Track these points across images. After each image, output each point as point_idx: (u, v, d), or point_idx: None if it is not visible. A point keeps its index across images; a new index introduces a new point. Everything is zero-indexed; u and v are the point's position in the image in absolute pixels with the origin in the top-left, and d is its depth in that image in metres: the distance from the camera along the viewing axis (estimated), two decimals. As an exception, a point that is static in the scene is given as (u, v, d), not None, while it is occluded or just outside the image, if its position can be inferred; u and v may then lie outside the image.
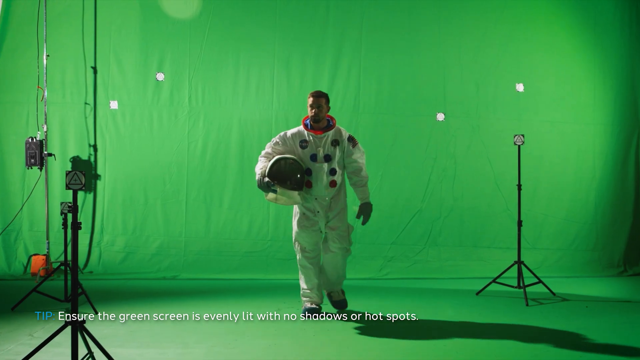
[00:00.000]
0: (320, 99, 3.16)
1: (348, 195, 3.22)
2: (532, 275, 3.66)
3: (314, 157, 3.13)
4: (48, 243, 4.19)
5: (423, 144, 4.20)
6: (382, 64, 4.20)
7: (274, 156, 3.14)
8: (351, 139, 3.22)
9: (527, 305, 3.36)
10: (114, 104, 4.16)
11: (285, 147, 3.19)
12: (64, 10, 4.11)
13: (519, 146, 3.60)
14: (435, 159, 4.20)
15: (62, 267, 3.51)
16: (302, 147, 3.15)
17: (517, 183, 3.57)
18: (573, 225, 4.22)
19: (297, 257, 3.28)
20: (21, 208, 4.11)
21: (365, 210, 3.19)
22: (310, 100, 3.16)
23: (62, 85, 4.15)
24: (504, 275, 3.65)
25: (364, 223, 3.22)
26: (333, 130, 3.20)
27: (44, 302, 3.32)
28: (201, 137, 4.15)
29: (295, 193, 3.10)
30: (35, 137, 4.04)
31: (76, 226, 2.64)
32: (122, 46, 4.14)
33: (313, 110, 3.10)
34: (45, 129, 4.07)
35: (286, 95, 4.18)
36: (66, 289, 3.30)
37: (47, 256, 4.25)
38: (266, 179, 3.04)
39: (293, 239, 3.23)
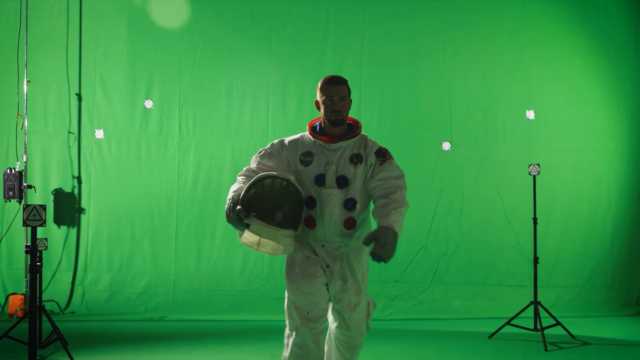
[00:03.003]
0: (343, 87, 2.28)
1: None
2: (548, 315, 3.86)
3: (320, 180, 2.24)
4: (27, 282, 4.40)
5: (428, 175, 4.52)
6: (384, 91, 4.57)
7: (257, 174, 2.29)
8: (382, 153, 2.29)
9: (546, 350, 3.53)
10: (99, 133, 4.50)
11: (278, 162, 2.32)
12: (46, 34, 4.49)
13: (534, 176, 3.94)
14: (441, 190, 4.53)
15: (46, 308, 3.74)
16: (305, 163, 2.27)
17: (532, 217, 3.85)
18: (588, 261, 4.54)
19: (289, 341, 2.31)
20: None
21: (383, 235, 2.02)
22: (325, 90, 2.26)
23: (44, 113, 4.49)
24: (517, 316, 3.92)
25: (376, 255, 2.01)
26: (355, 139, 2.32)
27: (17, 348, 3.40)
28: (192, 168, 4.48)
29: (287, 234, 2.24)
30: (14, 168, 4.33)
31: (35, 269, 2.78)
32: (108, 72, 4.49)
33: (334, 105, 2.22)
34: (25, 159, 4.37)
35: (282, 124, 4.53)
36: (41, 333, 3.43)
37: (26, 296, 4.47)
38: (238, 207, 2.13)
39: (285, 305, 2.33)
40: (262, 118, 4.45)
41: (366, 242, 2.05)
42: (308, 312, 2.23)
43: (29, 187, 4.35)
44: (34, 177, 4.42)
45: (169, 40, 4.46)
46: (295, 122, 4.42)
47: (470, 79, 4.59)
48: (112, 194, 4.43)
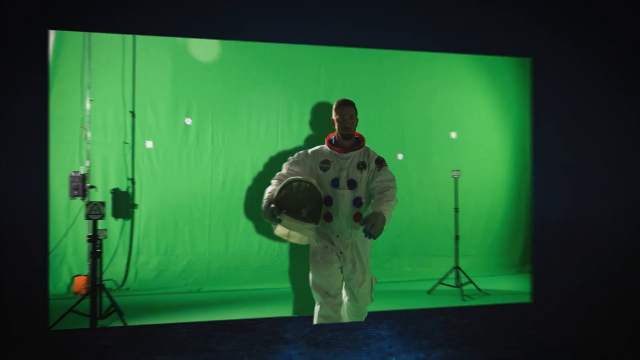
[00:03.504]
0: (351, 107, 4.41)
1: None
2: (465, 276, 7.87)
3: (335, 182, 4.27)
4: (89, 265, 7.69)
5: None
6: (358, 114, 8.92)
7: (287, 178, 4.22)
8: (379, 161, 4.45)
9: (463, 300, 7.50)
10: (149, 144, 8.14)
11: (302, 168, 4.32)
12: (106, 62, 7.97)
13: (456, 179, 8.03)
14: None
15: (106, 286, 7.19)
16: (323, 169, 4.31)
17: (454, 207, 8.01)
18: (488, 237, 9.49)
19: (316, 309, 4.47)
20: (65, 234, 7.84)
21: (373, 218, 3.92)
22: (339, 110, 4.38)
23: (103, 127, 8.02)
24: (446, 277, 7.98)
25: (366, 232, 3.89)
26: (360, 150, 4.43)
27: (81, 321, 6.14)
28: (221, 173, 8.35)
29: (310, 227, 4.12)
30: (78, 171, 7.71)
31: (95, 254, 6.30)
32: (156, 94, 8.14)
33: (345, 122, 4.33)
34: (87, 164, 7.82)
35: (288, 138, 8.62)
36: (101, 307, 6.37)
37: (88, 277, 7.78)
38: (272, 206, 4.00)
39: (310, 283, 4.48)
40: (273, 133, 8.43)
41: (361, 222, 4.00)
42: (328, 291, 4.42)
43: (92, 187, 7.67)
44: (95, 179, 7.90)
45: (204, 71, 8.19)
46: (298, 136, 8.48)
47: (415, 110, 9.18)
48: (159, 192, 8.12)
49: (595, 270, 6.56)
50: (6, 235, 5.93)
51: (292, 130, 8.62)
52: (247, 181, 8.35)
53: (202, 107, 8.18)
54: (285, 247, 8.52)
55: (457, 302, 7.58)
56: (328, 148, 4.59)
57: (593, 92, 6.79)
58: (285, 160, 4.72)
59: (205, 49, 8.22)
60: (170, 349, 4.83)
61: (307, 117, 8.57)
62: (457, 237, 8.09)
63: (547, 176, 6.48)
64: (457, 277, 8.07)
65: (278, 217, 4.10)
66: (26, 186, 6.08)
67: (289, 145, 8.58)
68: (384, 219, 4.12)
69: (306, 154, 4.59)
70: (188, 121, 8.11)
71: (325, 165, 4.49)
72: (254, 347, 4.63)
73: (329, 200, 4.45)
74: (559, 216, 6.80)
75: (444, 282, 8.07)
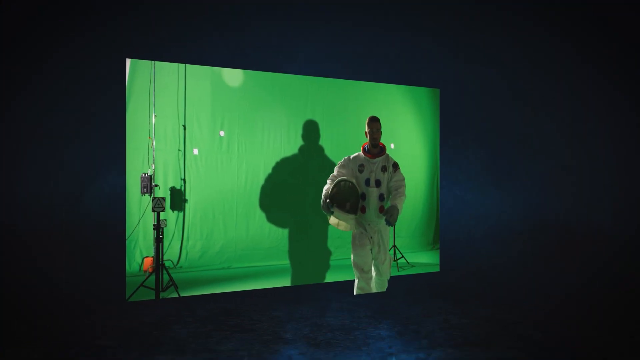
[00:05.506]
0: (378, 123, 6.20)
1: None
2: (399, 253, 11.60)
3: (367, 182, 6.00)
4: (154, 248, 11.67)
5: None
6: (334, 129, 12.89)
7: (337, 178, 5.66)
8: (395, 165, 6.14)
9: (397, 270, 12.21)
10: (195, 151, 11.47)
11: (347, 170, 6.05)
12: (166, 85, 11.08)
13: None
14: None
15: (166, 265, 11.20)
16: (360, 171, 6.05)
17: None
18: (414, 222, 14.26)
19: (355, 283, 6.12)
20: (137, 223, 10.91)
21: (391, 209, 5.84)
22: (370, 125, 6.15)
23: (164, 137, 11.11)
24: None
25: (388, 222, 5.85)
26: (383, 156, 6.19)
27: (148, 293, 8.21)
28: (244, 174, 11.80)
29: (351, 217, 5.66)
30: (147, 173, 10.93)
31: (159, 239, 10.30)
32: (200, 111, 11.42)
33: (373, 134, 6.09)
34: (153, 167, 10.99)
35: (287, 147, 12.33)
36: (162, 281, 8.55)
37: (154, 258, 11.72)
38: (327, 201, 5.52)
39: (352, 262, 6.32)
40: (278, 144, 12.10)
41: (383, 214, 6.47)
42: (363, 267, 6.67)
43: (156, 185, 10.84)
44: (159, 179, 11.04)
45: (233, 94, 11.61)
46: (294, 146, 12.14)
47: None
48: (202, 190, 11.26)
49: (595, 270, 7.57)
50: (92, 224, 8.11)
51: (290, 141, 12.38)
52: (261, 180, 11.22)
53: (232, 122, 11.16)
54: (285, 233, 12.47)
55: (394, 272, 10.49)
56: (363, 155, 6.44)
57: (484, 119, 9.91)
58: (283, 164, 6.88)
59: (233, 77, 11.13)
60: (170, 349, 5.39)
61: (300, 131, 12.30)
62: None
63: (449, 177, 10.62)
64: (394, 253, 11.38)
65: (331, 209, 5.77)
66: (109, 185, 8.50)
67: (288, 152, 12.28)
68: (397, 211, 5.99)
69: (349, 159, 6.45)
70: (222, 133, 11.16)
71: (361, 168, 6.37)
72: (254, 347, 5.18)
73: (363, 196, 6.25)
74: (558, 216, 8.56)
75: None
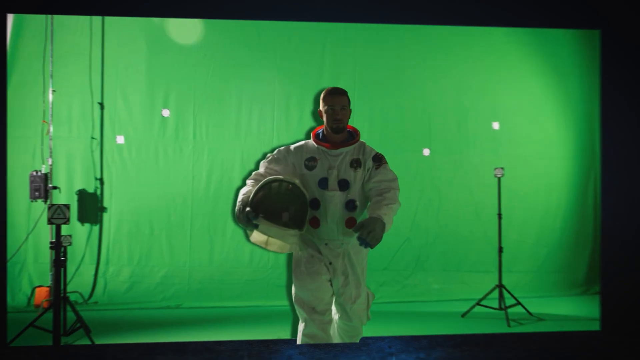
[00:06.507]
0: (343, 97, 4.98)
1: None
2: (510, 296, 8.30)
3: (323, 183, 4.96)
4: (51, 275, 9.56)
5: (410, 177, 9.68)
6: (373, 105, 9.65)
7: (265, 178, 4.79)
8: (378, 158, 5.06)
9: (508, 325, 7.97)
10: (120, 139, 9.27)
11: (284, 166, 5.03)
12: (71, 48, 9.12)
13: (499, 178, 8.44)
14: (422, 190, 9.83)
15: (71, 298, 7.41)
16: (309, 168, 5.01)
17: (497, 212, 8.43)
18: (542, 250, 10.08)
19: (300, 328, 5.10)
20: (25, 240, 8.94)
21: (371, 223, 4.53)
22: (327, 100, 4.98)
23: (68, 120, 9.15)
24: (484, 297, 8.33)
25: (362, 240, 4.52)
26: (355, 145, 5.05)
27: (42, 337, 6.95)
28: (205, 171, 9.33)
29: (292, 234, 4.83)
30: (39, 171, 8.77)
31: (59, 263, 6.79)
32: (128, 83, 9.28)
33: (335, 114, 4.95)
34: (50, 163, 8.79)
35: (285, 131, 9.36)
36: (65, 322, 7.04)
37: (51, 288, 9.62)
38: (247, 209, 4.67)
39: (293, 298, 5.10)
40: (268, 126, 9.46)
41: (355, 229, 4.54)
42: (314, 307, 4.98)
43: (54, 187, 8.82)
44: (59, 179, 9.07)
45: (184, 56, 9.33)
46: (298, 129, 9.37)
47: (446, 95, 9.87)
48: (131, 194, 9.25)
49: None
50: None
51: (291, 122, 9.63)
52: (236, 181, 9.40)
53: (182, 97, 9.57)
54: (282, 258, 9.37)
55: (501, 328, 8.10)
56: (315, 143, 5.22)
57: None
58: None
59: (185, 30, 9.53)
60: (170, 349, 5.42)
61: (308, 106, 9.54)
62: (500, 249, 8.82)
63: (617, 175, 7.04)
64: (501, 297, 8.61)
65: (254, 221, 4.78)
66: (-20, 187, 7.09)
67: (286, 139, 9.38)
68: (383, 225, 4.72)
69: (288, 150, 5.23)
70: (165, 112, 9.57)
71: (311, 163, 5.19)
72: (254, 347, 5.23)
73: (315, 203, 5.13)
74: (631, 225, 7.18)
75: (483, 303, 8.67)
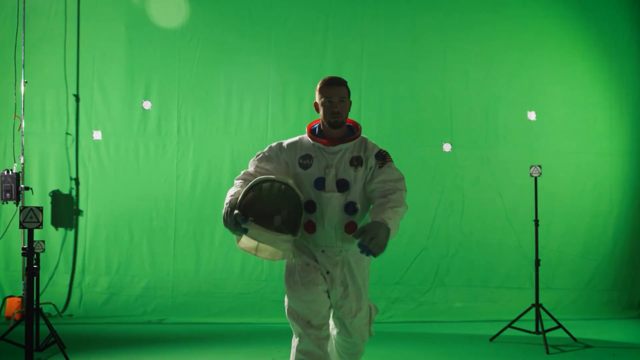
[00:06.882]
0: (342, 88, 4.81)
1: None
2: (549, 318, 7.74)
3: (320, 183, 4.76)
4: (24, 284, 8.93)
5: (429, 177, 8.93)
6: (384, 92, 8.90)
7: (255, 178, 4.60)
8: (382, 156, 4.82)
9: (547, 353, 7.21)
10: (97, 134, 8.78)
11: (276, 165, 4.84)
12: (44, 35, 8.72)
13: (535, 178, 7.89)
14: (442, 192, 8.98)
15: (44, 310, 7.23)
16: (303, 166, 4.84)
17: (533, 218, 7.84)
18: (590, 263, 9.09)
19: (294, 344, 4.94)
20: None
21: (374, 228, 4.26)
22: (324, 91, 4.80)
23: (41, 114, 8.77)
24: (518, 319, 7.62)
25: (364, 247, 4.26)
26: (355, 142, 4.86)
27: (14, 351, 6.80)
28: (191, 170, 8.78)
29: (285, 239, 4.63)
30: (11, 170, 8.32)
31: (32, 271, 6.30)
32: (106, 72, 8.83)
33: (333, 106, 4.76)
34: (22, 161, 8.38)
35: (281, 126, 8.63)
36: (38, 336, 6.92)
37: (23, 298, 8.41)
38: (236, 212, 4.45)
39: (286, 311, 4.89)
40: (262, 119, 8.82)
41: (356, 235, 4.24)
42: (310, 320, 4.78)
43: (26, 188, 8.44)
44: (31, 179, 8.66)
45: (167, 41, 8.84)
46: (295, 123, 8.67)
47: (470, 80, 8.99)
48: (110, 195, 8.78)
49: None
50: None
51: (288, 115, 8.99)
52: (226, 181, 8.77)
53: (165, 87, 9.21)
54: (278, 269, 8.65)
55: (539, 356, 7.42)
56: (310, 139, 5.05)
57: None
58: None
59: (168, 10, 9.05)
60: None
61: (308, 96, 8.87)
62: (537, 262, 8.11)
63: None
64: (538, 318, 7.94)
65: (244, 225, 4.58)
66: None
67: (282, 134, 8.50)
68: (387, 231, 4.52)
69: (280, 147, 5.06)
70: (147, 105, 9.20)
71: (306, 161, 5.02)
72: None
73: (311, 206, 4.94)
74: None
75: (517, 325, 8.02)
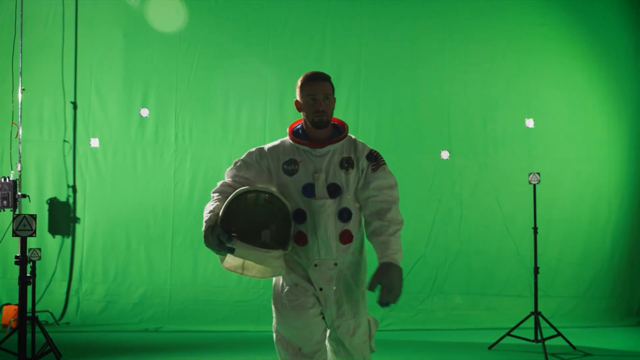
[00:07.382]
0: (326, 84, 4.39)
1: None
2: (548, 326, 7.70)
3: (308, 190, 4.38)
4: (19, 292, 9.32)
5: (426, 184, 8.97)
6: (382, 98, 8.93)
7: (235, 189, 4.17)
8: (373, 157, 4.45)
9: None
10: (94, 142, 8.83)
11: (256, 173, 4.43)
12: (42, 41, 8.78)
13: (534, 185, 7.96)
14: (440, 199, 9.04)
15: (40, 319, 7.32)
16: (289, 172, 4.41)
17: (531, 226, 7.88)
18: (588, 271, 9.15)
19: None
20: None
21: (388, 278, 4.11)
22: (307, 88, 4.39)
23: (39, 122, 8.82)
24: (517, 327, 7.67)
25: (384, 302, 4.15)
26: (343, 141, 4.46)
27: (11, 359, 6.78)
28: (188, 177, 8.83)
29: (276, 255, 4.29)
30: (8, 177, 8.32)
31: (25, 279, 6.34)
32: (104, 79, 8.88)
33: (317, 104, 4.34)
34: (19, 168, 8.41)
35: (280, 132, 8.68)
36: (34, 345, 6.76)
37: (19, 306, 9.15)
38: (217, 230, 4.09)
39: (274, 337, 4.53)
40: (259, 125, 8.88)
41: (371, 288, 4.05)
42: (300, 348, 4.38)
43: (23, 196, 8.44)
44: (29, 187, 8.70)
45: (165, 47, 8.92)
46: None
47: (469, 86, 9.06)
48: (107, 203, 8.82)
49: None
50: None
51: (286, 121, 8.57)
52: None
53: (163, 93, 9.25)
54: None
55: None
56: (292, 142, 4.61)
57: None
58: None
59: (165, 17, 9.13)
60: None
61: None
62: (536, 270, 8.16)
63: None
64: (537, 326, 7.97)
65: (228, 244, 4.19)
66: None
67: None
68: (400, 272, 4.31)
69: (261, 152, 4.60)
70: (144, 112, 9.24)
71: (291, 166, 4.55)
72: None
73: (300, 216, 4.50)
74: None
75: (515, 333, 8.08)
